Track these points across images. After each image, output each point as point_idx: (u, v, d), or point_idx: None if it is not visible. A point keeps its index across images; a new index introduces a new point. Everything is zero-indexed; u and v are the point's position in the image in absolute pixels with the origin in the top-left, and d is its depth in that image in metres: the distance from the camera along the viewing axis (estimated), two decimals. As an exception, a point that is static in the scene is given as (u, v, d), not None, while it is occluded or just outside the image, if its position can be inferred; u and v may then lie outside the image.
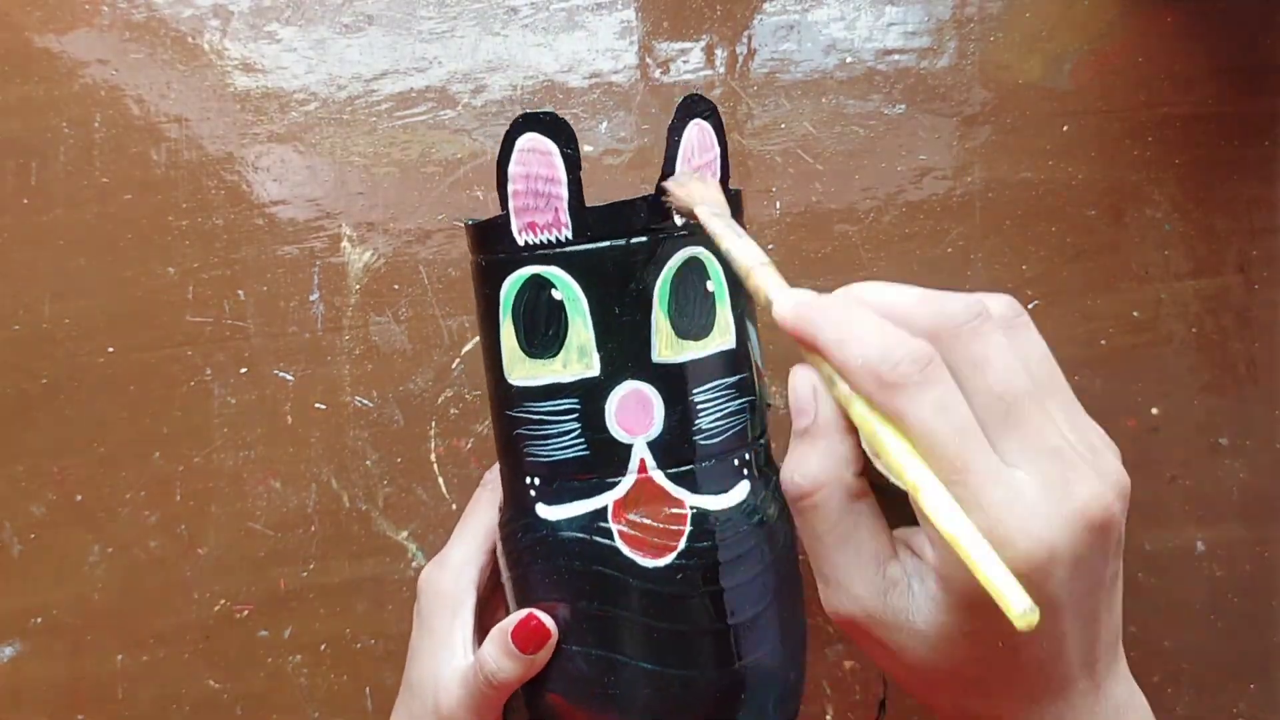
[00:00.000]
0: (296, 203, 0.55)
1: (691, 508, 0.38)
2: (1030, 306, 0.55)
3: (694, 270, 0.38)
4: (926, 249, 0.56)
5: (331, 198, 0.55)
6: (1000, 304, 0.33)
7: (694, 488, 0.38)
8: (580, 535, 0.38)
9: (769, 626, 0.39)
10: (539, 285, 0.38)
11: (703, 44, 0.56)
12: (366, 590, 0.54)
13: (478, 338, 0.54)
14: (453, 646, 0.42)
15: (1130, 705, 0.34)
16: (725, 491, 0.39)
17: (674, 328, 0.38)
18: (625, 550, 0.38)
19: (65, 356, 0.54)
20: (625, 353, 0.37)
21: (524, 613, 0.39)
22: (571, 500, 0.38)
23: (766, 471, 0.41)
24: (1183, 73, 0.57)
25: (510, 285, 0.38)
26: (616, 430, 0.38)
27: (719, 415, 0.39)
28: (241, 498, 0.54)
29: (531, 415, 0.39)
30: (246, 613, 0.54)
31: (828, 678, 0.54)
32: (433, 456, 0.54)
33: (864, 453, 0.32)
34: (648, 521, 0.38)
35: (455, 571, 0.44)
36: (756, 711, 0.39)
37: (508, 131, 0.37)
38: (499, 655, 0.40)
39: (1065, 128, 0.56)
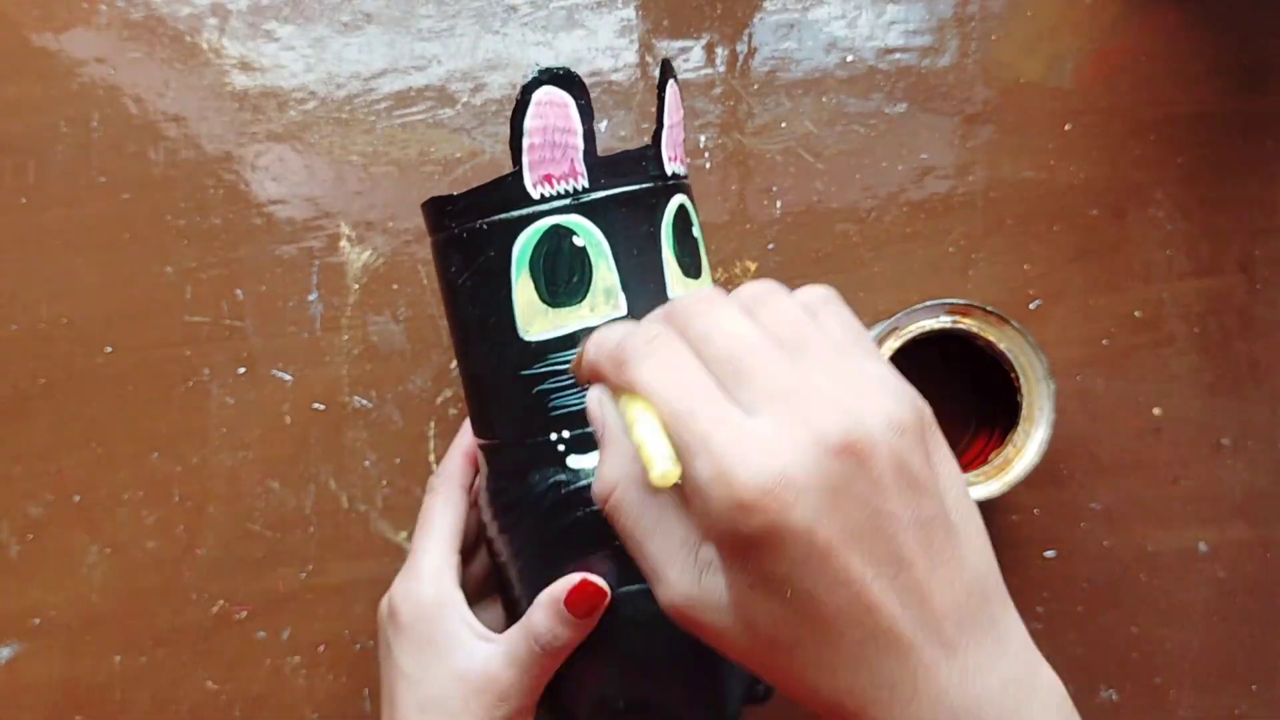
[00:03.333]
0: (295, 202, 0.55)
1: None
2: (1032, 306, 0.55)
3: (683, 215, 0.41)
4: (928, 248, 0.55)
5: (330, 197, 0.55)
6: (751, 286, 0.34)
7: None
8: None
9: None
10: (559, 235, 0.39)
11: (703, 42, 0.56)
12: (365, 591, 0.53)
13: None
14: (469, 641, 0.42)
15: (1024, 684, 0.31)
16: None
17: (680, 266, 0.41)
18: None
19: (63, 356, 0.54)
20: (646, 291, 0.40)
21: (575, 578, 0.39)
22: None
23: None
24: (1185, 72, 0.56)
25: (527, 240, 0.39)
26: None
27: None
28: (240, 498, 0.54)
29: (559, 366, 0.40)
30: (245, 614, 0.54)
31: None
32: (431, 457, 0.54)
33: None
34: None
35: (433, 577, 0.43)
36: None
37: (524, 87, 0.38)
38: (554, 623, 0.40)
39: (1067, 127, 0.56)
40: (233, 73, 0.56)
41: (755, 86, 0.56)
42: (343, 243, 0.55)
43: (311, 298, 0.55)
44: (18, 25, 0.55)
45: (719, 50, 0.56)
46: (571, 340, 0.39)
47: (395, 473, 0.54)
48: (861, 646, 0.30)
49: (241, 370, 0.54)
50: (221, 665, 0.53)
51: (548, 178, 0.39)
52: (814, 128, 0.56)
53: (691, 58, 0.56)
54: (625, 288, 0.39)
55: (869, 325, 0.54)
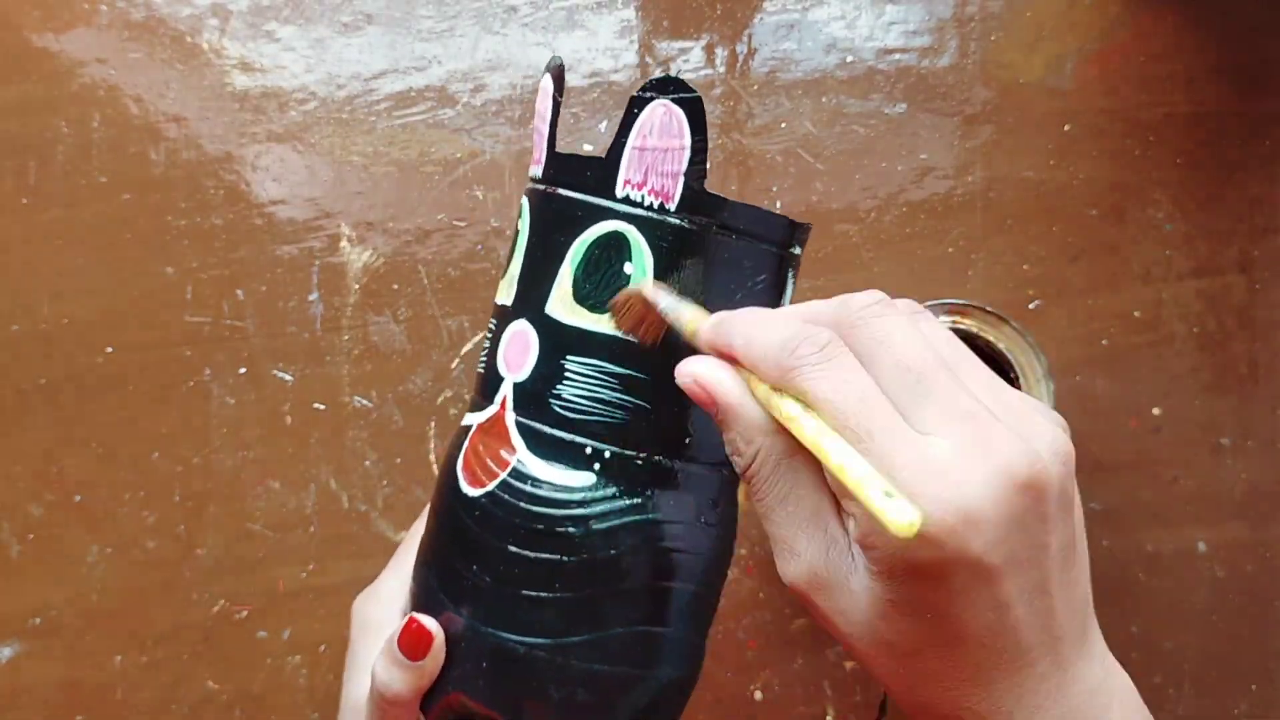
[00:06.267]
0: (295, 202, 0.55)
1: (519, 460, 0.38)
2: (1031, 306, 0.55)
3: (614, 245, 0.38)
4: (927, 249, 0.56)
5: (330, 197, 0.55)
6: (901, 301, 0.33)
7: (532, 446, 0.38)
8: (456, 442, 0.40)
9: (529, 615, 0.38)
10: (519, 212, 0.40)
11: (703, 43, 0.56)
12: (366, 591, 0.54)
13: (477, 337, 0.54)
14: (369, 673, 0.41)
15: (1106, 688, 0.33)
16: (563, 468, 0.38)
17: (574, 289, 0.38)
18: (459, 467, 0.39)
19: (64, 356, 0.54)
20: (529, 294, 0.39)
21: (406, 618, 0.38)
22: (468, 412, 0.41)
23: (639, 494, 0.38)
24: (1184, 72, 0.56)
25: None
26: (500, 361, 0.39)
27: (584, 395, 0.38)
28: (240, 498, 0.54)
29: (489, 326, 0.41)
30: (245, 613, 0.54)
31: (828, 678, 0.54)
32: (431, 457, 0.54)
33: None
34: (483, 453, 0.39)
35: (384, 601, 0.43)
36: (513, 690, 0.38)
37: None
38: (388, 666, 0.37)
39: (1067, 127, 0.56)
40: (233, 73, 0.56)
41: (755, 87, 0.56)
42: (343, 243, 0.55)
43: (312, 298, 0.55)
44: (18, 26, 0.56)
45: (719, 51, 0.56)
46: (494, 308, 0.41)
47: (396, 473, 0.54)
48: (984, 664, 0.31)
49: (242, 370, 0.54)
50: (222, 665, 0.53)
51: (535, 158, 0.40)
52: (814, 128, 0.56)
53: (691, 58, 0.56)
54: (521, 281, 0.39)
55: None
